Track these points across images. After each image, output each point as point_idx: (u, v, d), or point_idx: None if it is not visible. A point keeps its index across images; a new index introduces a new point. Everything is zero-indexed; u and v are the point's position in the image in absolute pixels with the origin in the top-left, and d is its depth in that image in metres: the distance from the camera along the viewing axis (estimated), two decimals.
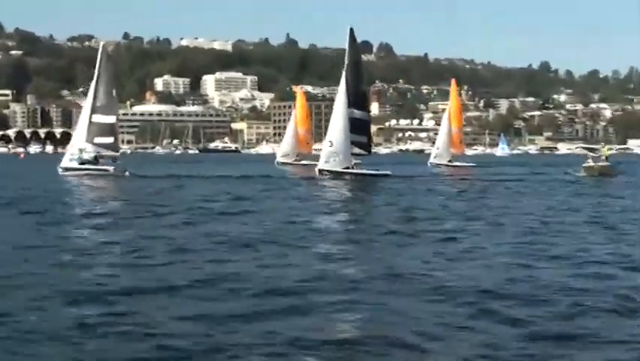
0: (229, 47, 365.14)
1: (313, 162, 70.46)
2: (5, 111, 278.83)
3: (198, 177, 52.63)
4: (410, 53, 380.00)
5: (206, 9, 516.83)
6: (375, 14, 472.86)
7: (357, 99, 47.30)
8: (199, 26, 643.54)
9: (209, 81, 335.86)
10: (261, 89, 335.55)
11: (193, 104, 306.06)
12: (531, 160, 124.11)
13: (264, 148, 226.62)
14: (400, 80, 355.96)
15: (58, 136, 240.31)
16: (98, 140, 52.41)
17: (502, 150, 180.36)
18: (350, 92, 46.95)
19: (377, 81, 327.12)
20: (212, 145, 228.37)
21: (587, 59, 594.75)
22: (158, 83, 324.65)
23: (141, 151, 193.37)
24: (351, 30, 48.30)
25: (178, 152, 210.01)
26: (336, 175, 45.65)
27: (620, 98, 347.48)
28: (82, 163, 51.33)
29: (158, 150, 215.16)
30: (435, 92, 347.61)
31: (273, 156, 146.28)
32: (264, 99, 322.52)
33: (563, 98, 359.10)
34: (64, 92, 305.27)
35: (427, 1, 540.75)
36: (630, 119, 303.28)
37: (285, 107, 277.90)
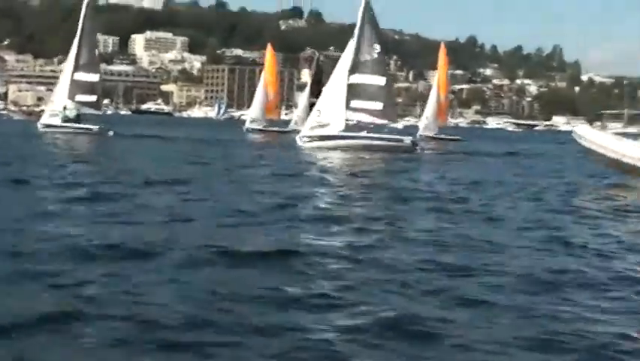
0: (159, 7, 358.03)
1: (285, 129, 68.02)
2: None
3: (189, 140, 50.95)
4: (340, 21, 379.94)
5: None
6: None
7: (367, 63, 41.17)
8: None
9: (137, 41, 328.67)
10: (191, 51, 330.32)
11: (122, 64, 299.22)
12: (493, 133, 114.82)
13: (196, 112, 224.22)
14: (331, 48, 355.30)
15: None
16: (79, 98, 51.28)
17: None
18: (356, 57, 41.06)
19: (308, 48, 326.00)
20: (144, 106, 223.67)
21: (512, 35, 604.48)
22: None
23: None
24: None
25: (109, 112, 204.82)
26: (322, 140, 39.61)
27: (544, 75, 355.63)
28: (65, 121, 49.90)
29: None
30: None
31: (206, 120, 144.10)
32: (194, 62, 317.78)
33: (489, 72, 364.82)
34: None
35: None
36: (555, 95, 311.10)
37: (217, 70, 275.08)
